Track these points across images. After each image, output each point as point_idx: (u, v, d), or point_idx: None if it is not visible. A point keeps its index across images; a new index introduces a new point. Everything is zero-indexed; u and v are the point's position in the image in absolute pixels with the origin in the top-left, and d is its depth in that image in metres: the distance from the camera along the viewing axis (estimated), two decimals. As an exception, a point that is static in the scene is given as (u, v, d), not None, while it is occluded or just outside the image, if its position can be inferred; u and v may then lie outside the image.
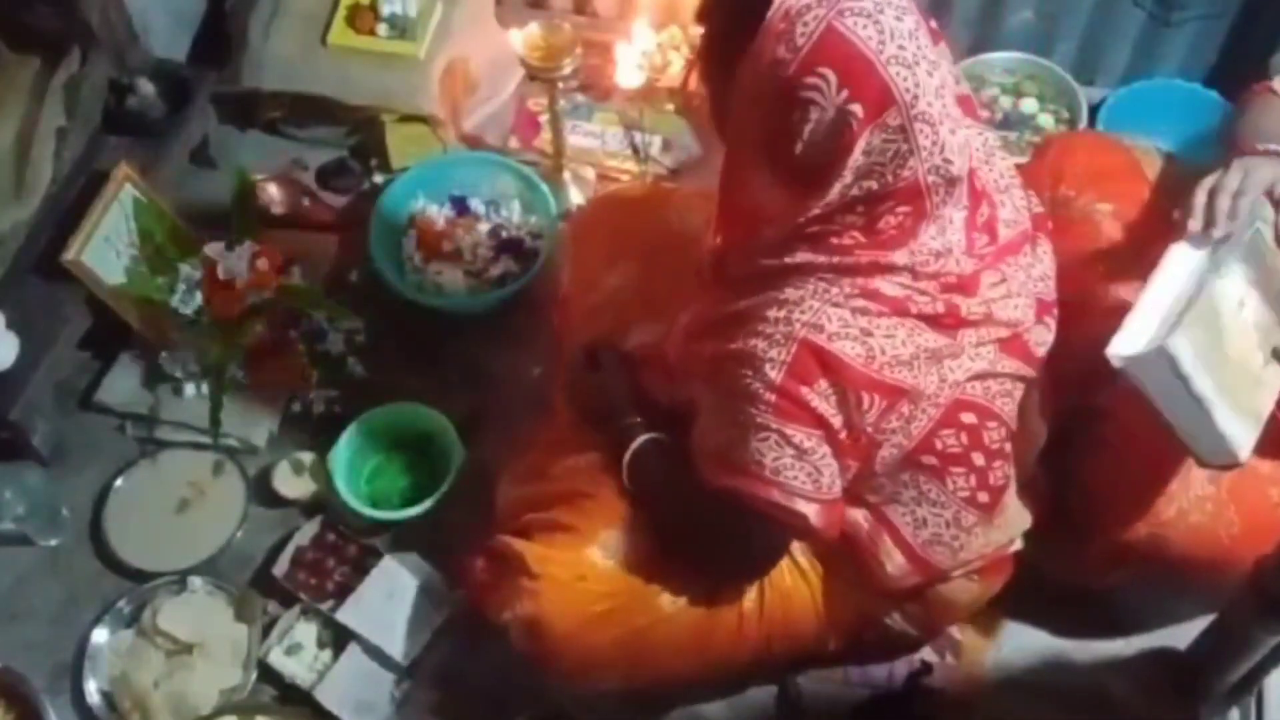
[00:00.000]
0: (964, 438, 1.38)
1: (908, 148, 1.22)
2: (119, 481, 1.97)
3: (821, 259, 1.29)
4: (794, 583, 1.57)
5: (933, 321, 1.32)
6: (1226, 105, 2.21)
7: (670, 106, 2.35)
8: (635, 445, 1.55)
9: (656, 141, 2.33)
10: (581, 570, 1.53)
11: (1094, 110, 2.26)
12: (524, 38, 1.99)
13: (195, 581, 1.87)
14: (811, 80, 1.18)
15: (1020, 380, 1.42)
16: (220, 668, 1.81)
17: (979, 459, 1.41)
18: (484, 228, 2.19)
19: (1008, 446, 1.44)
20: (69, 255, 1.88)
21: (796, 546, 1.56)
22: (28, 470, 1.95)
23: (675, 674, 1.61)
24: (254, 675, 1.80)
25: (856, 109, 1.18)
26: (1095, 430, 1.63)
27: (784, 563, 1.55)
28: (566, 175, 2.24)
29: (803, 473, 1.34)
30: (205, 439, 1.98)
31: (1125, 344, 1.40)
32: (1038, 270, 1.44)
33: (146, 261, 1.99)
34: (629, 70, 2.23)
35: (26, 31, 2.04)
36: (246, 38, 2.26)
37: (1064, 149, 1.84)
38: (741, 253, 1.38)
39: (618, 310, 1.73)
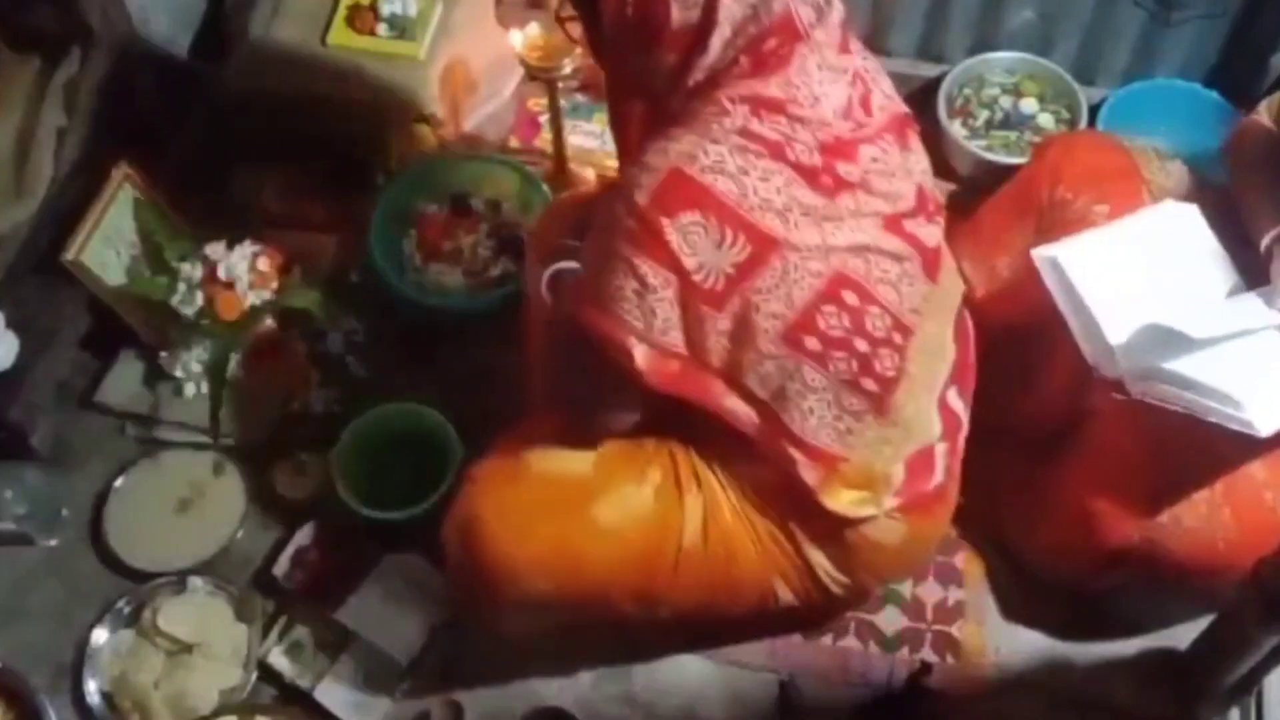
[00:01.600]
0: (845, 320, 1.39)
1: None
2: (119, 481, 1.98)
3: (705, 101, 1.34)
4: (735, 523, 1.57)
5: (810, 177, 1.34)
6: (1226, 105, 2.22)
7: (670, 106, 2.35)
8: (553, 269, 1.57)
9: (656, 141, 2.32)
10: (515, 473, 1.55)
11: (1094, 110, 2.26)
12: (524, 38, 1.99)
13: (195, 581, 1.87)
14: None
15: (902, 265, 1.43)
16: (220, 668, 1.81)
17: (862, 344, 1.42)
18: (484, 228, 2.19)
19: (896, 338, 1.44)
20: (69, 255, 1.88)
21: (733, 489, 1.57)
22: (28, 470, 1.96)
23: (611, 594, 1.60)
24: (254, 675, 1.80)
25: None
26: (1086, 433, 1.63)
27: (725, 502, 1.57)
28: (567, 175, 2.24)
29: (638, 309, 1.36)
30: (205, 439, 1.98)
31: (1050, 250, 1.64)
32: (917, 163, 1.47)
33: (146, 261, 1.99)
34: (629, 70, 2.23)
35: (26, 31, 2.03)
36: (246, 37, 2.26)
37: (1063, 150, 1.84)
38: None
39: None
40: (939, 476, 1.58)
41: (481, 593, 1.59)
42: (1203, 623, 1.73)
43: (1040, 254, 1.65)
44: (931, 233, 1.48)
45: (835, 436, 1.48)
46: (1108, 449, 1.62)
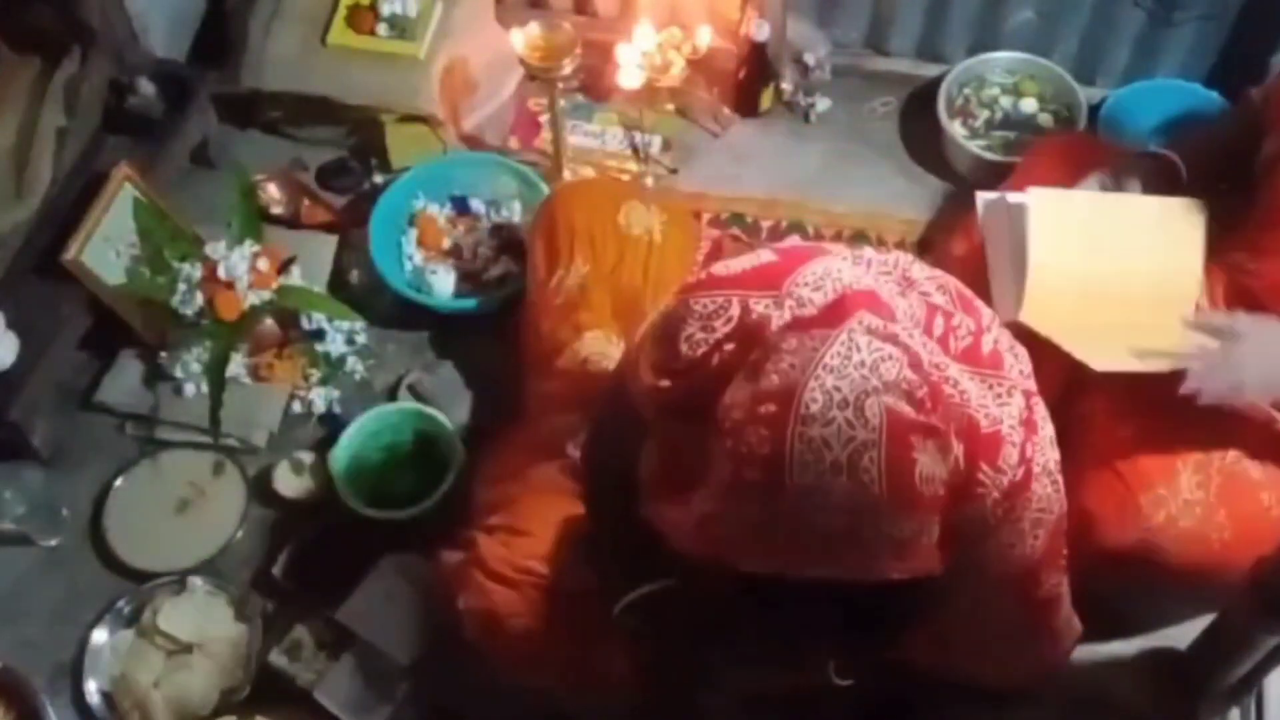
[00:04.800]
0: None
1: None
2: (119, 481, 1.98)
3: None
4: None
5: None
6: (1226, 105, 2.22)
7: (670, 106, 2.36)
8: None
9: (656, 141, 2.33)
10: (533, 580, 1.55)
11: (1094, 110, 2.26)
12: (524, 38, 1.99)
13: (195, 581, 1.87)
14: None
15: None
16: (220, 668, 1.81)
17: None
18: (484, 228, 2.19)
19: None
20: (69, 255, 1.88)
21: None
22: (28, 470, 1.95)
23: (623, 691, 1.60)
24: (254, 675, 1.80)
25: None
26: (1079, 438, 1.64)
27: None
28: (566, 175, 2.24)
29: None
30: (205, 439, 1.98)
31: (1021, 195, 1.66)
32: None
33: (146, 261, 1.99)
34: (629, 70, 2.23)
35: (26, 31, 2.03)
36: (246, 38, 2.26)
37: (1057, 152, 1.88)
38: None
39: (570, 309, 1.78)
40: None
41: (499, 672, 1.62)
42: (1203, 623, 1.73)
43: (985, 196, 1.70)
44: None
45: None
46: (1104, 453, 1.62)
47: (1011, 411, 1.28)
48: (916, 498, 1.09)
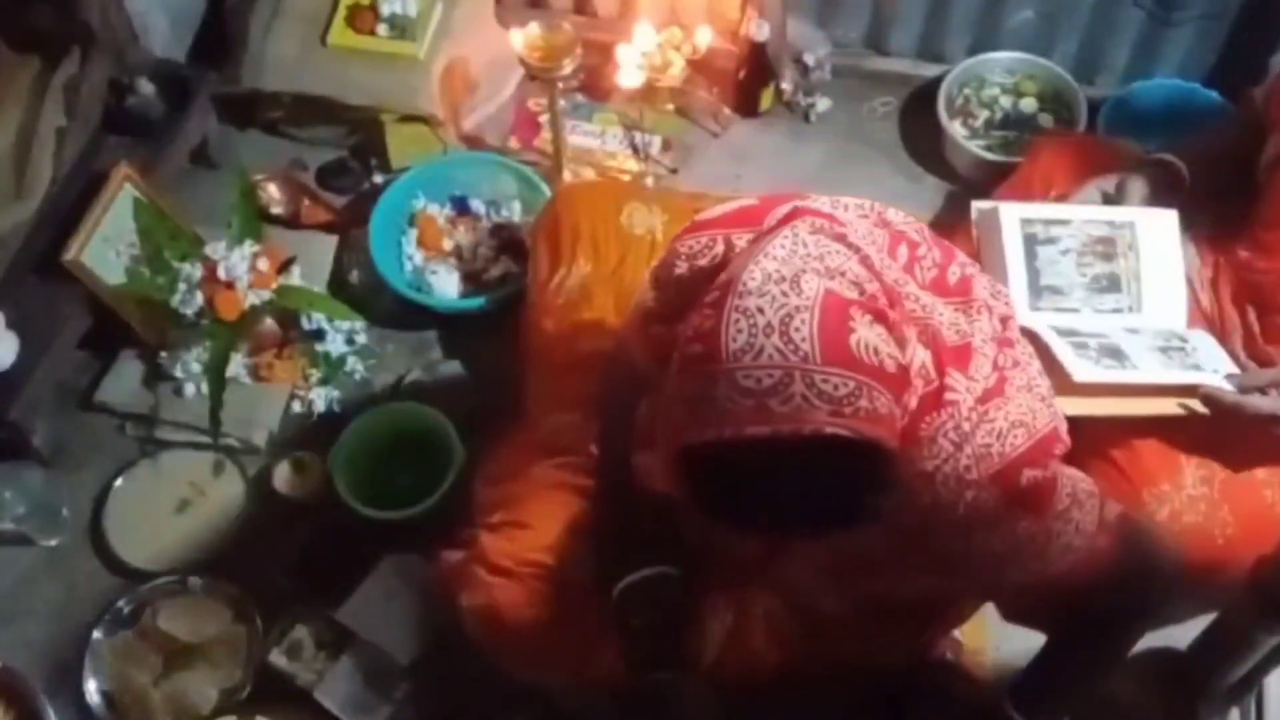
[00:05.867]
0: None
1: None
2: (119, 481, 1.98)
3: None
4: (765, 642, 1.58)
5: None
6: (1226, 105, 2.22)
7: (670, 106, 2.36)
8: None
9: (656, 141, 2.33)
10: (537, 572, 1.55)
11: (1094, 110, 2.26)
12: (524, 38, 1.99)
13: (195, 581, 1.87)
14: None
15: None
16: (220, 668, 1.81)
17: None
18: (485, 228, 2.19)
19: None
20: (69, 255, 1.88)
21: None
22: (28, 470, 1.96)
23: (618, 685, 1.60)
24: (254, 675, 1.80)
25: None
26: (1082, 432, 1.64)
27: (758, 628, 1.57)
28: (566, 175, 2.24)
29: (1089, 513, 1.35)
30: (205, 439, 1.98)
31: (992, 202, 1.71)
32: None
33: (146, 261, 1.99)
34: (629, 70, 2.23)
35: (26, 31, 2.04)
36: (246, 38, 2.26)
37: (1056, 152, 1.86)
38: None
39: (571, 309, 1.78)
40: None
41: (499, 668, 1.62)
42: (1203, 623, 1.73)
43: (978, 205, 1.70)
44: None
45: None
46: (1103, 447, 1.62)
47: (983, 328, 1.29)
48: (853, 360, 1.07)
